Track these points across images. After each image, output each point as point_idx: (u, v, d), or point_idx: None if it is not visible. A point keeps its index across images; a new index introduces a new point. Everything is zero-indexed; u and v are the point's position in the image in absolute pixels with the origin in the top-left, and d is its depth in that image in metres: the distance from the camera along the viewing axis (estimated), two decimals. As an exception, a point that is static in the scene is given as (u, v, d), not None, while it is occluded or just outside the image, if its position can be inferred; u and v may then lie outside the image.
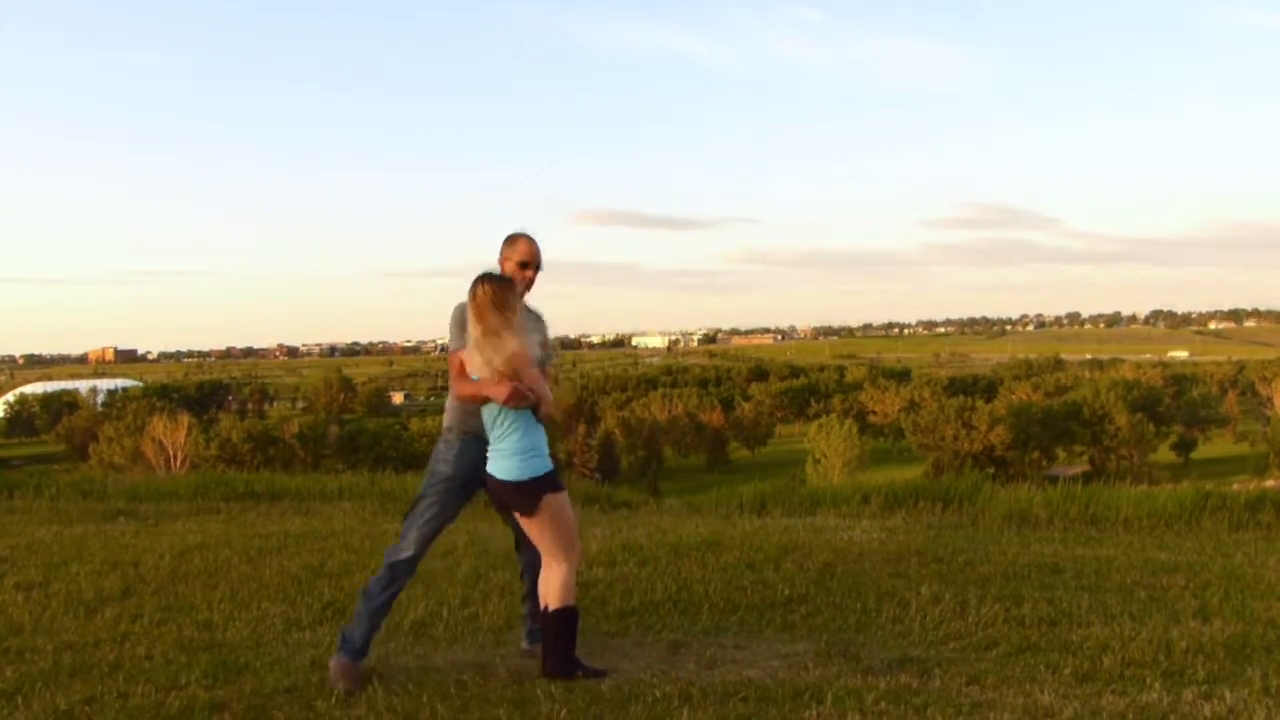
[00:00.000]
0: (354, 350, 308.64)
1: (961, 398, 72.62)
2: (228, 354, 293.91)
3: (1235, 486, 12.67)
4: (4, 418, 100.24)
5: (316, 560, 6.37)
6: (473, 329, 3.81)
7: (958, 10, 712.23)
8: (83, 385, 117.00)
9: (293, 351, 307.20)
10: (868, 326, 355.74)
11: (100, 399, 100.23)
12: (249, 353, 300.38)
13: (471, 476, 4.05)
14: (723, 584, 5.53)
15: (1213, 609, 4.98)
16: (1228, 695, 3.63)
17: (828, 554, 6.33)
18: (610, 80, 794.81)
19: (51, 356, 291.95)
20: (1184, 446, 74.08)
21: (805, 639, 4.53)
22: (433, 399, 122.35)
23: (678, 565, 6.03)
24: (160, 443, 58.88)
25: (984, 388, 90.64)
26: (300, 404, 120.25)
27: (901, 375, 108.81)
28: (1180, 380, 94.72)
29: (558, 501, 3.87)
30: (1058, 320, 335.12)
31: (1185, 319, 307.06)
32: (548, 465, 3.88)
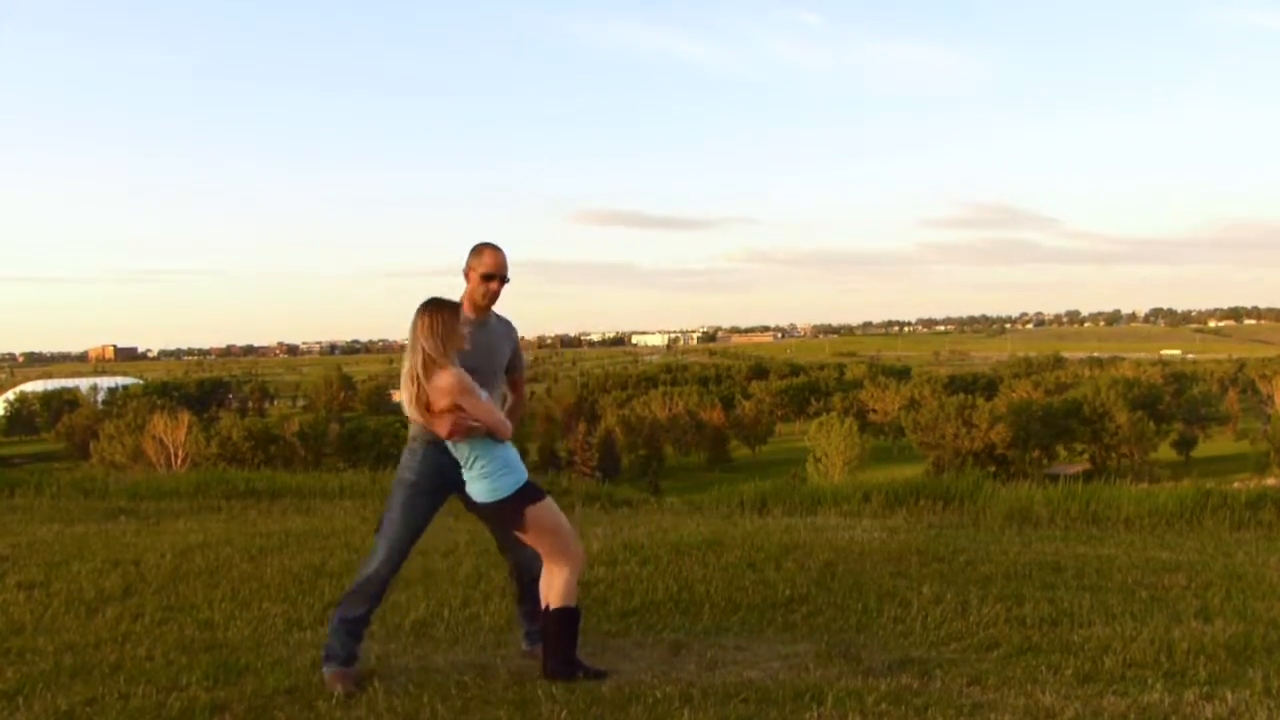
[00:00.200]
0: (354, 348, 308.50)
1: (962, 396, 72.63)
2: (228, 352, 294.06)
3: (1236, 485, 12.66)
4: (4, 416, 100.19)
5: (318, 559, 6.37)
6: (408, 359, 3.77)
7: (957, 12, 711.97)
8: (83, 383, 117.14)
9: (293, 350, 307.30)
10: (868, 325, 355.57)
11: (101, 397, 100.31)
12: (249, 351, 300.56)
13: (438, 484, 4.01)
14: (724, 584, 5.53)
15: (1214, 609, 4.98)
16: (1229, 696, 3.63)
17: (829, 553, 6.32)
18: (610, 81, 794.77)
19: (52, 354, 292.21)
20: (1184, 444, 74.07)
21: (806, 639, 4.53)
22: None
23: (679, 565, 6.03)
24: (161, 441, 58.91)
25: (984, 386, 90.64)
26: (301, 402, 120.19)
27: (901, 373, 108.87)
28: (1180, 378, 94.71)
29: (541, 510, 3.85)
30: (1057, 319, 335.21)
31: (1185, 317, 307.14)
32: (520, 478, 3.85)
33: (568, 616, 3.92)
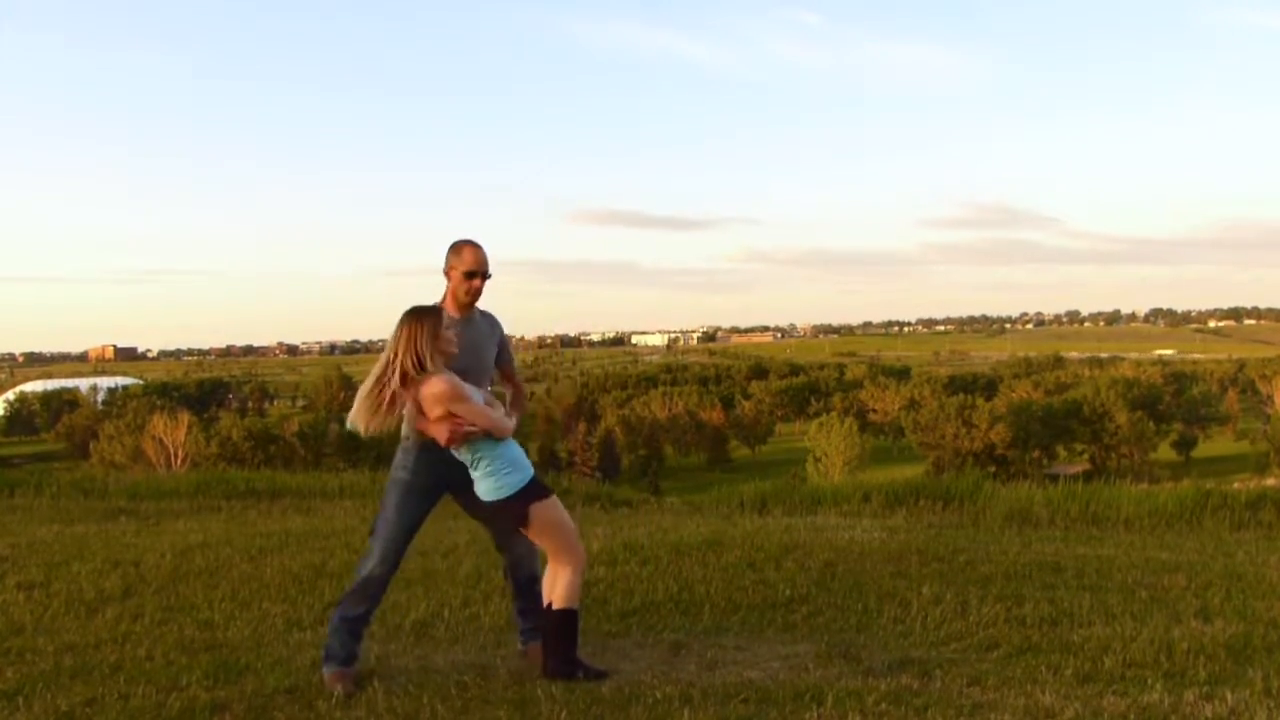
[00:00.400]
0: (354, 348, 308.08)
1: (962, 396, 72.64)
2: (228, 352, 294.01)
3: (1236, 485, 12.66)
4: (4, 416, 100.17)
5: (318, 559, 6.37)
6: (376, 369, 3.74)
7: (957, 12, 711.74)
8: (83, 383, 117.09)
9: (293, 350, 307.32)
10: (868, 325, 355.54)
11: (100, 397, 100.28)
12: (249, 351, 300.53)
13: (432, 483, 4.01)
14: (724, 584, 5.53)
15: (1214, 609, 4.98)
16: (1229, 696, 3.63)
17: (829, 553, 6.32)
18: (610, 81, 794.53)
19: (52, 354, 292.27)
20: (1184, 445, 74.07)
21: (806, 640, 4.53)
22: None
23: (679, 565, 6.03)
24: (161, 441, 58.92)
25: (984, 386, 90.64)
26: (300, 402, 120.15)
27: (901, 373, 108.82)
28: (1180, 378, 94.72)
29: (547, 507, 3.85)
30: (1057, 319, 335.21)
31: (1185, 317, 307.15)
32: (526, 476, 3.85)
33: (568, 617, 3.91)
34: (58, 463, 57.96)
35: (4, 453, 77.92)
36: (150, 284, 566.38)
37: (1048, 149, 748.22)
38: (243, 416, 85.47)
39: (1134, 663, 4.07)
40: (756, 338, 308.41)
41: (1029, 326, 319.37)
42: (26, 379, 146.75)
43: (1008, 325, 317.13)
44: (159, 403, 79.44)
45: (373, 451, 54.49)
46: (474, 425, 3.74)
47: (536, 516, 3.83)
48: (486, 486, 3.84)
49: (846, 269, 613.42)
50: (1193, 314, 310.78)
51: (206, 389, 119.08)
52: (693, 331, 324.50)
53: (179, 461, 55.24)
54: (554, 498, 3.92)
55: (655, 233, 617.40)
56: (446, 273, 4.05)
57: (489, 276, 4.05)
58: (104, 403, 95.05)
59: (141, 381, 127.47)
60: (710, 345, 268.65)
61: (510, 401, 4.23)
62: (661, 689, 3.73)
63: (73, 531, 7.71)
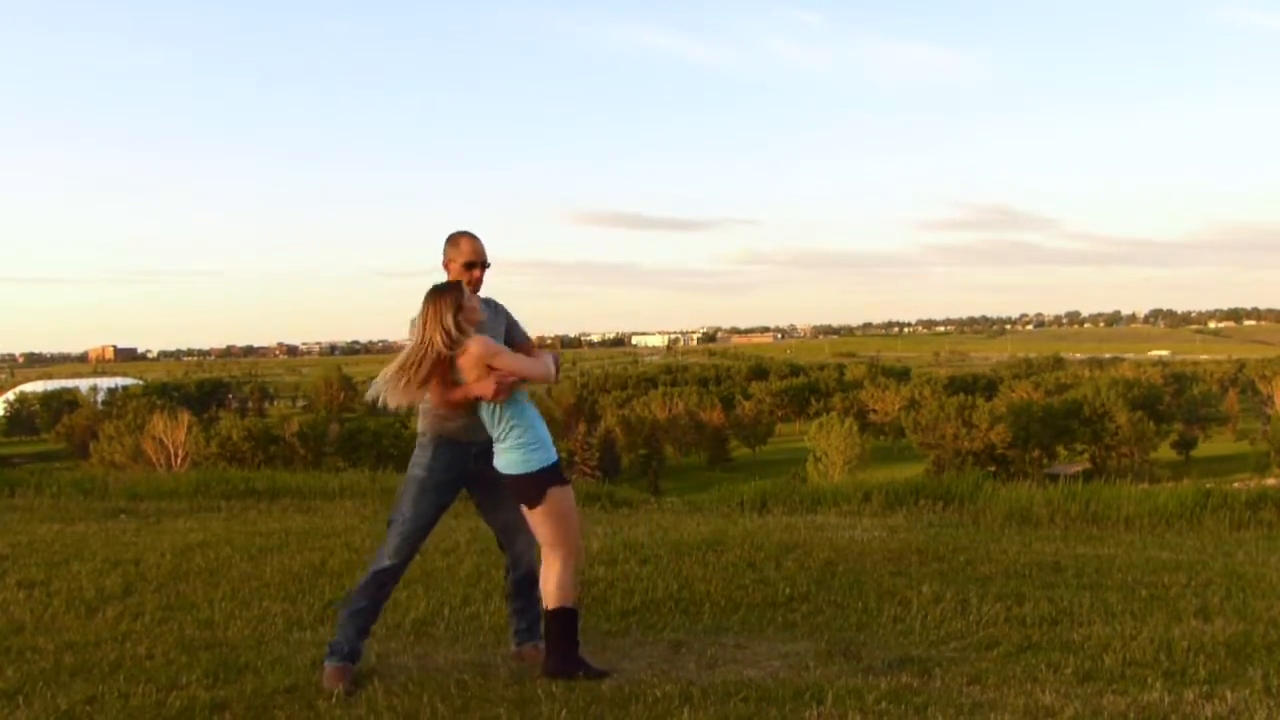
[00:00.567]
0: (354, 349, 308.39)
1: (962, 396, 72.64)
2: (228, 353, 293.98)
3: (1236, 485, 12.67)
4: (4, 416, 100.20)
5: (318, 558, 6.37)
6: (403, 354, 3.81)
7: (956, 13, 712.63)
8: (83, 384, 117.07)
9: (293, 350, 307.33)
10: (867, 326, 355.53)
11: (100, 397, 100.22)
12: (249, 351, 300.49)
13: (448, 479, 4.04)
14: (724, 583, 5.53)
15: (1214, 608, 4.97)
16: (1229, 695, 3.63)
17: (829, 552, 6.33)
18: (610, 81, 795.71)
19: (52, 355, 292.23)
20: (1184, 445, 74.07)
21: (806, 638, 4.53)
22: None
23: (679, 564, 6.03)
24: (161, 441, 58.89)
25: (984, 386, 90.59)
26: (300, 402, 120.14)
27: (901, 374, 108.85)
28: (1180, 378, 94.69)
29: (561, 495, 3.88)
30: (1057, 319, 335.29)
31: (1185, 318, 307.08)
32: (552, 457, 3.89)
33: (563, 616, 3.91)
34: (58, 463, 57.92)
35: (4, 453, 77.89)
36: (150, 284, 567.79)
37: (1047, 149, 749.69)
38: (243, 417, 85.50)
39: (1134, 661, 4.07)
40: (756, 338, 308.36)
41: (1029, 327, 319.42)
42: (27, 379, 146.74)
43: (1008, 326, 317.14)
44: (159, 403, 79.28)
45: (372, 451, 54.60)
46: (515, 374, 3.78)
47: (550, 499, 3.84)
48: (511, 459, 3.85)
49: (846, 270, 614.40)
50: (1193, 315, 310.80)
51: (206, 389, 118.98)
52: (693, 332, 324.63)
53: (179, 461, 55.22)
54: (570, 488, 3.95)
55: (655, 233, 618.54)
56: (445, 265, 4.09)
57: (488, 265, 4.10)
58: (104, 403, 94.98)
59: (141, 382, 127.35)
60: (710, 346, 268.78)
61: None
62: (661, 687, 3.73)
63: (73, 531, 7.71)
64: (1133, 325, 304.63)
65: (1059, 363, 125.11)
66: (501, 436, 3.87)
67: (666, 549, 6.44)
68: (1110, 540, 7.29)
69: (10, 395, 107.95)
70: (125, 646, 4.44)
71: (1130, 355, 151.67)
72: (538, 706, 3.57)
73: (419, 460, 4.05)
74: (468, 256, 4.04)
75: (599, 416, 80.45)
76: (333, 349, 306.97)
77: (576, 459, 63.56)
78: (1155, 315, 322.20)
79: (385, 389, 3.83)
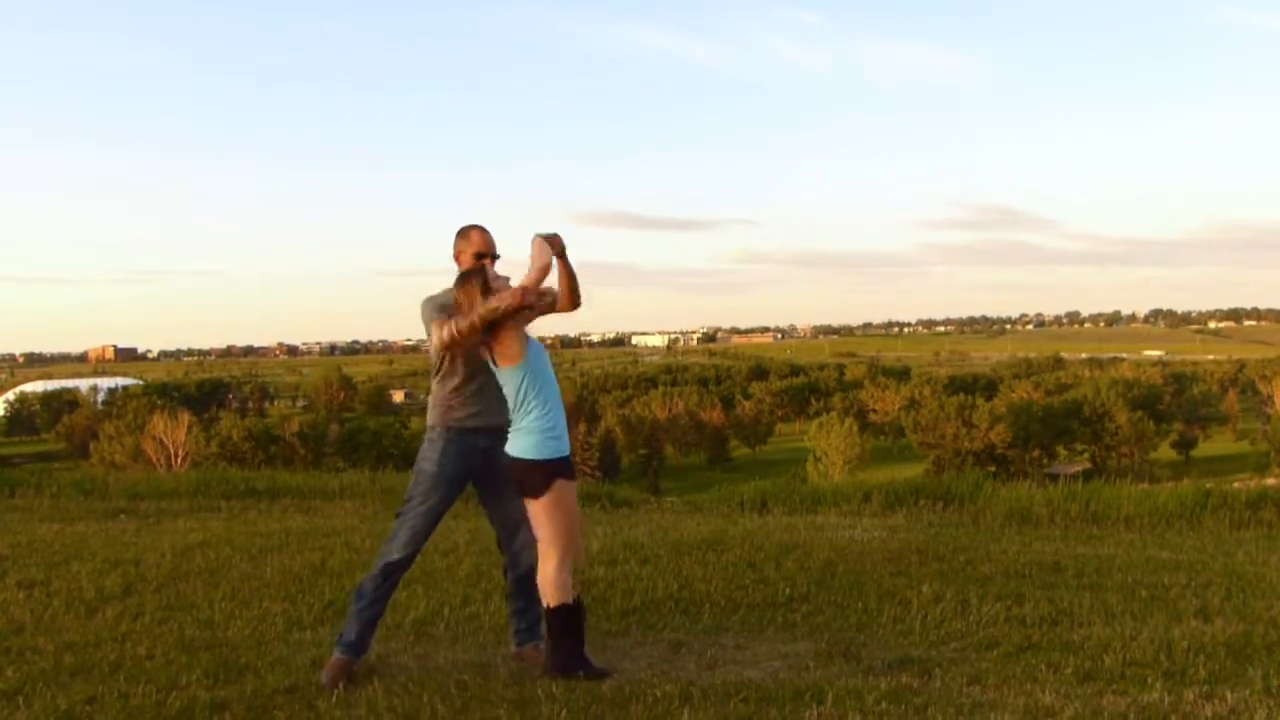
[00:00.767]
0: (354, 349, 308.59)
1: (962, 396, 72.60)
2: (228, 352, 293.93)
3: (1236, 484, 12.66)
4: (4, 416, 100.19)
5: (318, 558, 6.37)
6: (445, 325, 3.86)
7: (957, 12, 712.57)
8: (83, 384, 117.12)
9: (293, 350, 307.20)
10: (867, 325, 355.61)
11: (101, 397, 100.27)
12: (249, 351, 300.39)
13: (457, 473, 4.06)
14: (724, 583, 5.53)
15: (1214, 608, 4.97)
16: (1229, 695, 3.63)
17: (829, 552, 6.32)
18: (610, 81, 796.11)
19: (52, 355, 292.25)
20: (1185, 444, 74.06)
21: (806, 638, 4.52)
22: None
23: (679, 564, 6.03)
24: (161, 441, 58.91)
25: (984, 386, 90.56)
26: (301, 402, 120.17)
27: (901, 374, 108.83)
28: (1180, 378, 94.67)
29: (566, 489, 3.88)
30: (1057, 319, 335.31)
31: (1185, 318, 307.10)
32: (564, 450, 3.90)
33: (562, 614, 3.89)
34: (58, 463, 57.93)
35: (4, 453, 77.89)
36: (150, 284, 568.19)
37: (1047, 149, 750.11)
38: (243, 417, 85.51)
39: (1134, 662, 4.06)
40: (756, 338, 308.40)
41: (1029, 327, 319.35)
42: (27, 379, 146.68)
43: (1008, 326, 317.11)
44: (159, 403, 79.32)
45: (372, 451, 54.62)
46: (535, 273, 3.80)
47: (553, 491, 3.83)
48: (524, 444, 3.84)
49: (846, 270, 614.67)
50: (1193, 315, 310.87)
51: (207, 389, 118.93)
52: (693, 332, 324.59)
53: (179, 461, 55.23)
54: (574, 485, 3.95)
55: (655, 234, 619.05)
56: (456, 257, 4.13)
57: (498, 258, 4.13)
58: (104, 403, 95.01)
59: (141, 382, 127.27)
60: (710, 346, 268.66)
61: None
62: (661, 688, 3.73)
63: (73, 530, 7.71)
64: (1133, 325, 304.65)
65: (1059, 363, 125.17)
66: (522, 415, 3.86)
67: (666, 549, 6.44)
68: (1110, 540, 7.29)
69: (10, 395, 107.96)
70: (125, 647, 4.44)
71: (1130, 355, 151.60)
72: (538, 707, 3.57)
73: (428, 454, 4.06)
74: (478, 248, 4.08)
75: (599, 416, 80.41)
76: (333, 349, 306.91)
77: (576, 459, 63.48)
78: (1155, 315, 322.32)
79: (443, 338, 3.87)
